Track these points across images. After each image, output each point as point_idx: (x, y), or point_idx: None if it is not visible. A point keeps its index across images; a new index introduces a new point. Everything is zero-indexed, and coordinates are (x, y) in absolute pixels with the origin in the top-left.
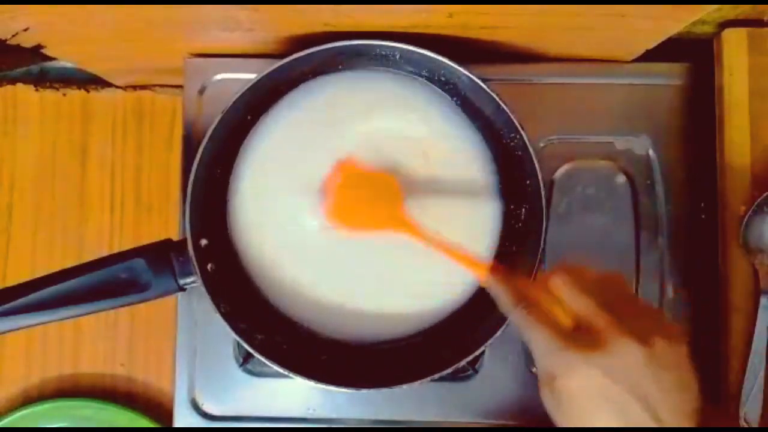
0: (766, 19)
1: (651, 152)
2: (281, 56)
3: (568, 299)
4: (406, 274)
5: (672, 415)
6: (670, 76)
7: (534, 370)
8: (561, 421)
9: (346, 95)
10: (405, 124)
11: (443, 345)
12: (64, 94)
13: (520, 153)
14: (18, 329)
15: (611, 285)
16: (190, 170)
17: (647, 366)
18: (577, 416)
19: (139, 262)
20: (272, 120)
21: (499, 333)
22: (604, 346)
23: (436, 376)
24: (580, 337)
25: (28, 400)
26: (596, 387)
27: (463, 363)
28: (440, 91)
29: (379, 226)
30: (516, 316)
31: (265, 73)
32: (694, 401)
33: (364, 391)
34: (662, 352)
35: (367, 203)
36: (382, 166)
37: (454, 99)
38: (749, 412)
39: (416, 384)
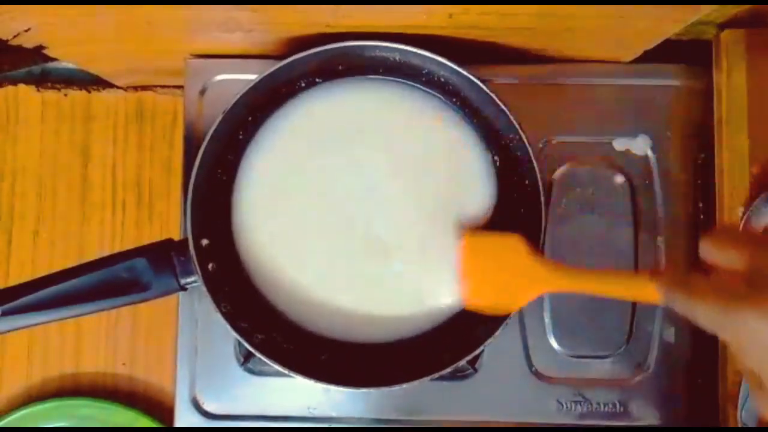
0: (765, 19)
1: (650, 152)
2: (282, 57)
3: (721, 258)
4: (406, 275)
5: None
6: (668, 76)
7: (534, 370)
8: None
9: (346, 98)
10: (402, 128)
11: (443, 344)
12: (66, 95)
13: (519, 153)
14: (19, 329)
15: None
16: (191, 170)
17: None
18: None
19: (141, 262)
20: (273, 121)
21: (498, 332)
22: None
23: (436, 375)
24: (747, 291)
25: (30, 399)
26: None
27: (462, 362)
28: (439, 93)
29: (530, 297)
30: (685, 307)
31: (265, 73)
32: None
33: (364, 390)
34: None
35: (500, 275)
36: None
37: (454, 99)
38: (748, 412)
39: (416, 383)
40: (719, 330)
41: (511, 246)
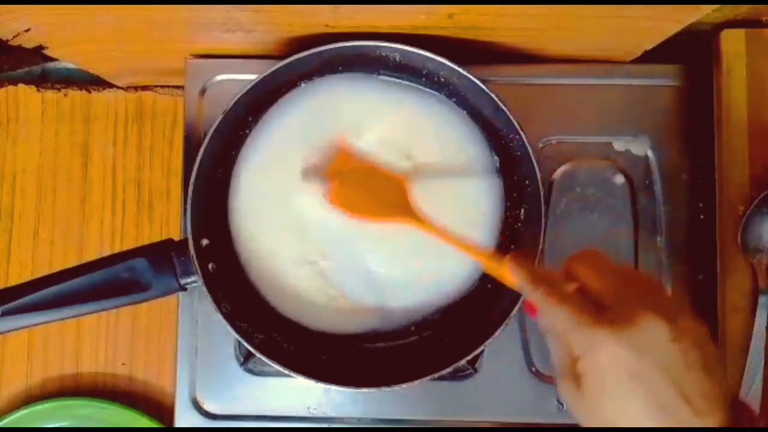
0: (764, 19)
1: (650, 153)
2: (282, 57)
3: (591, 279)
4: (405, 270)
5: (702, 398)
6: (668, 76)
7: (534, 369)
8: (583, 409)
9: (347, 98)
10: (402, 129)
11: (443, 344)
12: (66, 95)
13: (519, 153)
14: (20, 329)
15: (632, 272)
16: (191, 170)
17: (675, 342)
18: (602, 398)
19: (141, 262)
20: (272, 121)
21: (498, 332)
22: (631, 321)
23: (436, 375)
24: (606, 314)
25: (30, 399)
26: (625, 363)
27: (462, 362)
28: (438, 93)
29: (386, 217)
30: (537, 298)
31: (265, 74)
32: (722, 384)
33: (364, 390)
34: (689, 330)
35: (374, 191)
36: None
37: (454, 100)
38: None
39: (416, 383)
40: (571, 334)
41: (397, 181)
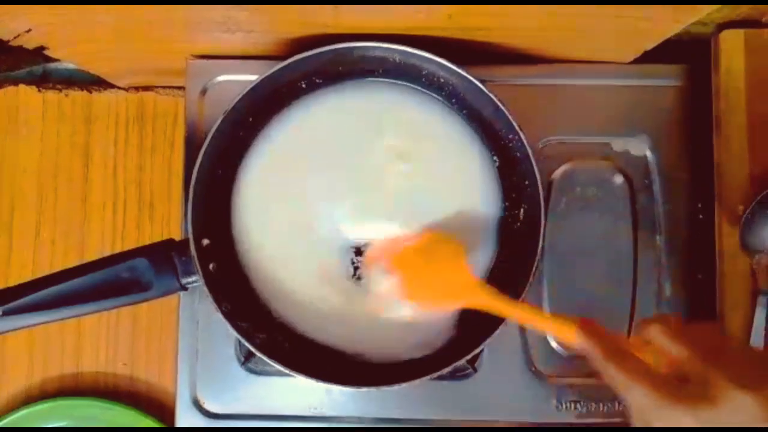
0: (764, 19)
1: (649, 153)
2: (282, 58)
3: (667, 347)
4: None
5: None
6: (668, 77)
7: (533, 369)
8: None
9: (346, 100)
10: (402, 129)
11: (443, 344)
12: (67, 95)
13: (518, 154)
14: (20, 329)
15: (709, 332)
16: (192, 171)
17: (764, 420)
18: None
19: (142, 262)
20: (276, 122)
21: (498, 332)
22: (713, 399)
23: (436, 374)
24: (685, 389)
25: (30, 399)
26: None
27: (462, 362)
28: (438, 94)
29: (457, 303)
30: (610, 371)
31: (266, 74)
32: None
33: (364, 389)
34: None
35: (435, 276)
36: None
37: (453, 100)
38: None
39: (416, 382)
40: (648, 413)
41: (453, 252)
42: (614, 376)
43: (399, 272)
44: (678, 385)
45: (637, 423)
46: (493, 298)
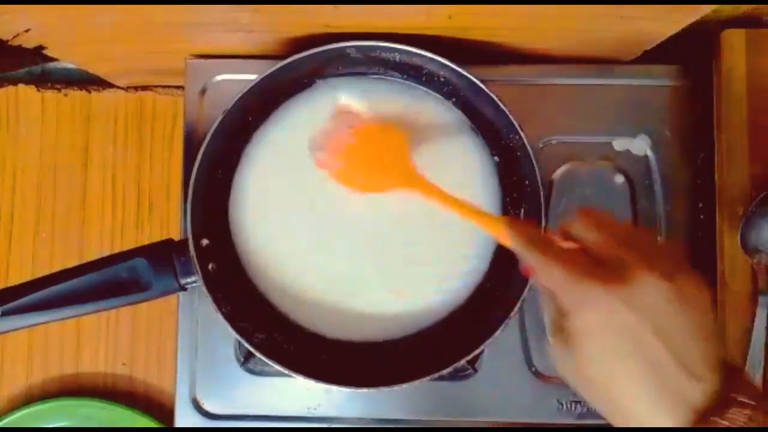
0: (764, 19)
1: (649, 153)
2: (282, 57)
3: (589, 236)
4: (407, 272)
5: (699, 363)
6: (668, 76)
7: (534, 369)
8: (569, 368)
9: (348, 99)
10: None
11: (443, 344)
12: (66, 95)
13: (519, 153)
14: (19, 329)
15: (632, 229)
16: (191, 171)
17: (671, 303)
18: (592, 361)
19: (141, 262)
20: (275, 121)
21: (498, 332)
22: (626, 279)
23: (436, 375)
24: (601, 270)
25: (30, 399)
26: (617, 322)
27: (462, 362)
28: (437, 95)
29: (390, 186)
30: (532, 258)
31: (265, 74)
32: (720, 350)
33: (364, 390)
34: (687, 291)
35: (376, 159)
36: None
37: (454, 100)
38: None
39: (416, 383)
40: (563, 292)
41: (393, 138)
42: (535, 261)
43: (344, 160)
44: (594, 265)
45: (550, 304)
46: (427, 185)
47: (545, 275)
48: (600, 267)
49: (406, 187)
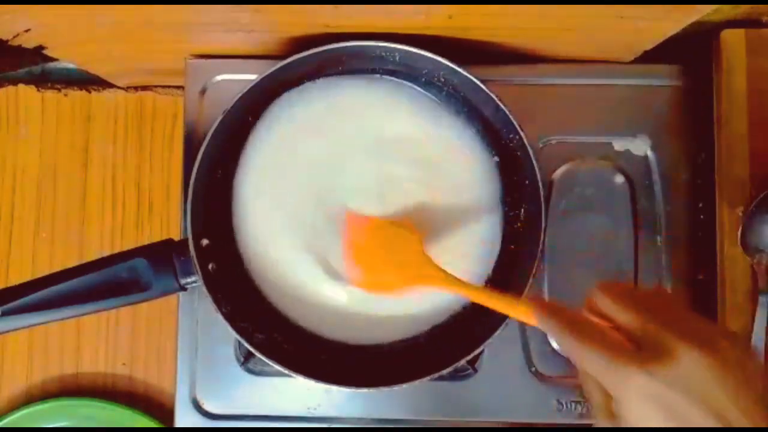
0: (764, 19)
1: (649, 153)
2: (282, 57)
3: (618, 315)
4: None
5: (742, 417)
6: (668, 76)
7: (534, 369)
8: None
9: (346, 99)
10: (402, 129)
11: (443, 344)
12: (66, 95)
13: (519, 153)
14: (19, 329)
15: (659, 298)
16: (191, 170)
17: (712, 370)
18: None
19: (141, 262)
20: (275, 121)
21: (498, 332)
22: (667, 359)
23: (436, 375)
24: (639, 351)
25: (30, 399)
26: (659, 400)
27: (462, 362)
28: (438, 93)
29: (408, 283)
30: (567, 342)
31: (266, 74)
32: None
33: (364, 390)
34: (732, 359)
35: (391, 256)
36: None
37: (454, 99)
38: None
39: (416, 383)
40: (605, 377)
41: (405, 236)
42: (571, 344)
43: (359, 266)
44: (631, 347)
45: (592, 386)
46: (448, 279)
47: (584, 361)
48: (634, 343)
49: (429, 283)
